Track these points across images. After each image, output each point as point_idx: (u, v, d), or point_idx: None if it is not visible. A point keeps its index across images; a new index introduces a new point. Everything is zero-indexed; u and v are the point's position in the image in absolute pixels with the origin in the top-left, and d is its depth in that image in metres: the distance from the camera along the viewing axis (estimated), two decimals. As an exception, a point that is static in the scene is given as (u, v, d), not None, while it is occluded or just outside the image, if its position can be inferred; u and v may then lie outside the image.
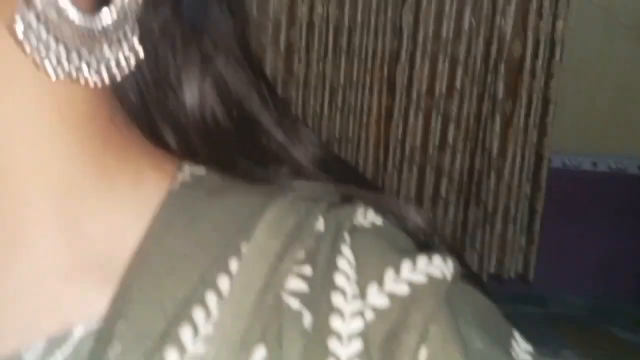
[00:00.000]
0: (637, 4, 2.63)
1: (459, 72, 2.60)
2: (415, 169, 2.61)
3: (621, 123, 2.67)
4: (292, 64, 2.60)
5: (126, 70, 0.29)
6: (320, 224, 0.32)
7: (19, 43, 0.26)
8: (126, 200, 0.32)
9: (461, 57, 2.59)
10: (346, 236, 0.31)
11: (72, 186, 0.31)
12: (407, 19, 2.61)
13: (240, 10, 0.34)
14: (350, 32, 2.60)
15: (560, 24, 2.58)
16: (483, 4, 2.59)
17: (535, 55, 2.59)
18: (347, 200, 0.33)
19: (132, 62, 0.29)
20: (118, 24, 0.28)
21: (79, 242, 0.31)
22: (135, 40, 0.29)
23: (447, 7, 2.58)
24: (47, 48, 0.26)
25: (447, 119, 2.60)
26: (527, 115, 2.58)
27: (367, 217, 0.33)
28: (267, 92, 0.35)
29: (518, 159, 2.58)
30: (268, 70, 2.59)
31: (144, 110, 0.33)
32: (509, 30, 2.59)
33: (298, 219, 0.31)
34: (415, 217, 0.35)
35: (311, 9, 2.60)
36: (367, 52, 2.61)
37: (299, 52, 2.60)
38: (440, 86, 2.60)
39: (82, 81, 0.27)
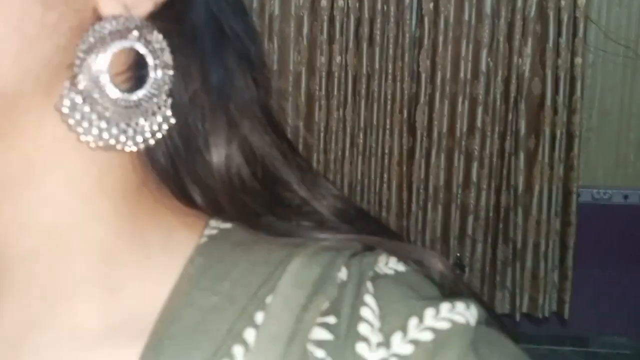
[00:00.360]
0: (655, 37, 2.62)
1: (479, 111, 2.60)
2: (440, 209, 2.57)
3: (650, 155, 2.60)
4: (312, 111, 2.65)
5: (159, 137, 0.31)
6: (343, 274, 0.33)
7: (65, 119, 0.30)
8: (157, 258, 0.34)
9: (480, 97, 2.60)
10: (369, 285, 0.32)
11: (109, 248, 0.34)
12: (424, 63, 2.65)
13: (263, 80, 0.37)
14: (368, 79, 2.65)
15: (578, 60, 2.58)
16: (499, 45, 2.62)
17: (555, 91, 2.58)
18: (369, 249, 0.35)
19: (165, 129, 0.32)
20: (152, 98, 0.31)
21: (114, 302, 0.33)
22: (168, 111, 0.32)
23: (463, 50, 2.61)
24: (90, 122, 0.30)
25: (470, 158, 2.58)
26: (552, 150, 2.54)
27: (389, 264, 0.34)
28: (289, 151, 0.37)
29: (545, 194, 2.52)
30: (290, 120, 2.64)
31: (173, 172, 0.35)
32: (527, 68, 2.60)
33: (321, 270, 0.32)
34: (437, 264, 0.36)
35: (330, 59, 2.67)
36: (386, 97, 2.65)
37: (319, 99, 2.65)
38: (461, 126, 2.60)
39: (119, 148, 0.30)
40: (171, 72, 0.31)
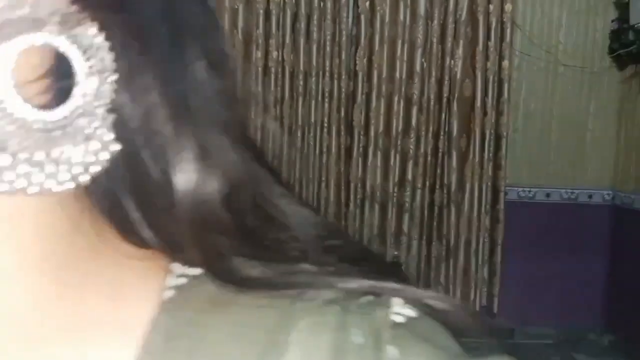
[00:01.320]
0: (576, 44, 2.72)
1: (414, 111, 2.59)
2: (377, 207, 2.55)
3: (569, 156, 2.71)
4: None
5: (95, 171, 0.22)
6: (357, 337, 0.27)
7: None
8: (104, 324, 0.26)
9: (415, 97, 2.59)
10: (389, 350, 0.27)
11: (37, 324, 0.24)
12: (361, 62, 2.60)
13: (231, 82, 0.27)
14: (306, 75, 2.57)
15: (505, 63, 2.64)
16: (433, 47, 2.62)
17: (485, 93, 2.62)
18: (372, 294, 0.29)
19: (104, 160, 0.22)
20: (82, 116, 0.21)
21: None
22: (107, 134, 0.22)
23: (398, 50, 2.59)
24: None
25: (406, 157, 2.57)
26: (482, 150, 2.59)
27: (400, 311, 0.29)
28: (268, 172, 0.29)
29: (476, 192, 2.56)
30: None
31: (117, 205, 0.27)
32: (459, 70, 2.62)
33: (333, 336, 0.27)
34: (444, 304, 0.30)
35: (266, 54, 2.56)
36: (323, 94, 2.58)
37: (255, 96, 2.54)
38: (397, 125, 2.58)
39: (31, 192, 0.21)
40: (112, 79, 0.22)
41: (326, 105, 2.57)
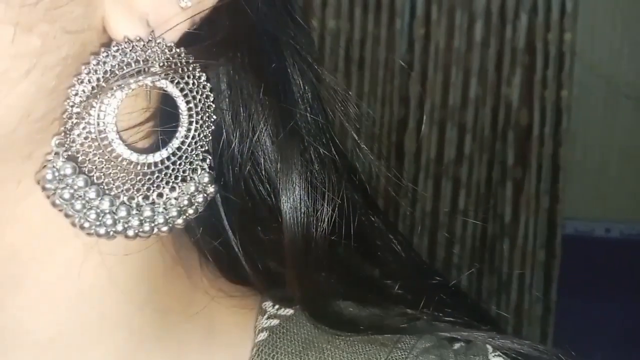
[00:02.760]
0: (637, 75, 2.55)
1: (468, 138, 2.45)
2: (426, 235, 2.41)
3: (630, 190, 2.51)
4: (300, 130, 2.46)
5: (191, 215, 0.21)
6: None
7: (49, 197, 0.19)
8: None
9: (469, 125, 2.46)
10: None
11: None
12: (414, 88, 2.49)
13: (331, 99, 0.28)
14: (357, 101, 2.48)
15: (564, 93, 2.48)
16: (488, 74, 2.49)
17: (542, 123, 2.46)
18: (465, 340, 0.28)
19: (200, 203, 0.21)
20: (182, 159, 0.20)
21: None
22: (205, 176, 0.21)
23: (453, 77, 2.48)
24: (85, 203, 0.19)
25: (457, 185, 2.43)
26: (538, 181, 2.42)
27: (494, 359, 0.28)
28: (372, 204, 0.29)
29: (531, 225, 2.39)
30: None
31: (219, 239, 0.26)
32: (515, 98, 2.48)
33: None
34: (536, 352, 0.30)
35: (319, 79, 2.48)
36: (374, 120, 2.47)
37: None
38: (449, 152, 2.45)
39: (130, 235, 0.20)
40: (213, 120, 0.21)
41: (377, 130, 2.46)
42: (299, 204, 0.24)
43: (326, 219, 0.25)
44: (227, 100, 0.22)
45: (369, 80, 2.48)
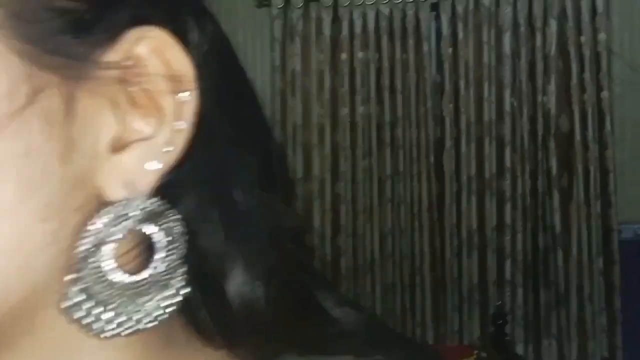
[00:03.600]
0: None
1: (507, 151, 2.38)
2: (475, 254, 2.33)
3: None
4: (338, 162, 2.46)
5: (172, 310, 0.28)
6: None
7: (68, 317, 0.26)
8: None
9: (507, 137, 2.38)
10: None
11: None
12: (447, 107, 2.46)
13: (288, 194, 0.34)
14: (392, 127, 2.46)
15: (605, 94, 2.37)
16: (522, 85, 2.42)
17: (584, 127, 2.35)
18: None
19: (178, 301, 0.28)
20: (161, 274, 0.27)
21: None
22: (180, 281, 0.28)
23: (485, 92, 2.42)
24: (95, 317, 0.26)
25: (502, 199, 2.34)
26: (587, 187, 2.30)
27: None
28: (314, 278, 0.34)
29: (584, 233, 2.26)
30: (316, 169, 2.46)
31: (199, 316, 0.32)
32: (552, 106, 2.39)
33: None
34: None
35: (353, 110, 2.50)
36: (411, 143, 2.45)
37: (345, 150, 2.47)
38: (490, 167, 2.37)
39: (126, 334, 0.27)
40: (184, 241, 0.28)
41: (414, 153, 2.43)
42: (239, 286, 0.30)
43: (263, 293, 0.30)
44: (189, 221, 0.28)
45: (401, 105, 2.47)
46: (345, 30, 2.52)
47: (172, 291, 0.27)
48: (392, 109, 2.48)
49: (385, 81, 2.50)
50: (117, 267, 0.26)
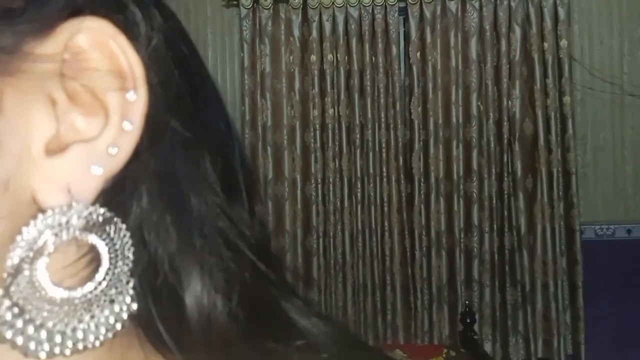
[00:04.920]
0: (638, 72, 2.43)
1: (474, 154, 2.37)
2: (444, 254, 2.31)
3: (647, 188, 2.37)
4: (309, 163, 2.41)
5: (118, 329, 0.25)
6: None
7: None
8: None
9: (474, 140, 2.38)
10: None
11: None
12: (416, 110, 2.43)
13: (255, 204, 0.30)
14: (362, 128, 2.43)
15: (567, 99, 2.39)
16: (488, 89, 2.42)
17: (547, 131, 2.37)
18: None
19: (125, 318, 0.25)
20: (107, 288, 0.24)
21: None
22: (128, 297, 0.25)
23: (453, 95, 2.41)
24: (26, 338, 0.23)
25: (470, 201, 2.33)
26: (550, 189, 2.31)
27: None
28: (281, 288, 0.30)
29: (548, 233, 2.27)
30: (287, 171, 2.40)
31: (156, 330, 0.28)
32: (517, 110, 2.40)
33: None
34: None
35: (323, 111, 2.45)
36: (380, 145, 2.42)
37: (315, 152, 2.41)
38: (458, 169, 2.36)
39: (68, 354, 0.24)
40: (132, 252, 0.25)
41: (384, 155, 2.39)
42: (199, 297, 0.27)
43: (230, 310, 0.27)
44: (141, 229, 0.26)
45: (370, 107, 2.43)
46: (314, 32, 2.47)
47: (118, 307, 0.24)
48: (362, 111, 2.44)
49: (355, 83, 2.46)
50: (55, 281, 0.23)
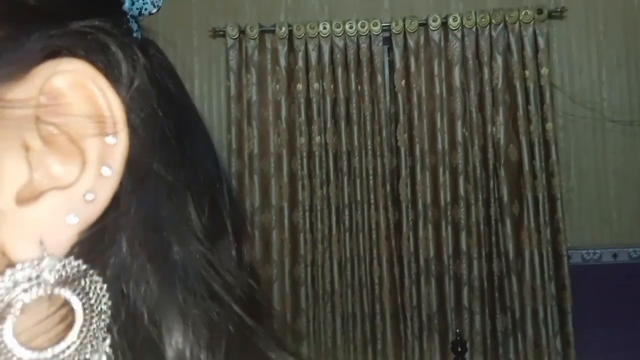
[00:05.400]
0: (620, 99, 2.47)
1: (461, 180, 2.37)
2: (433, 281, 2.28)
3: (632, 212, 2.38)
4: (296, 190, 2.38)
5: None
6: None
7: None
8: None
9: (460, 167, 2.38)
10: None
11: None
12: (402, 137, 2.43)
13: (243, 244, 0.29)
14: (349, 155, 2.41)
15: (549, 125, 2.40)
16: (472, 116, 2.43)
17: (532, 156, 2.37)
18: None
19: None
20: (82, 345, 0.22)
21: None
22: (104, 357, 0.22)
23: (438, 122, 2.41)
24: None
25: (457, 227, 2.32)
26: (537, 214, 2.31)
27: None
28: (259, 332, 0.28)
29: (536, 258, 2.26)
30: (274, 199, 2.37)
31: None
32: (501, 136, 2.41)
33: None
34: None
35: (309, 139, 2.43)
36: (367, 172, 2.40)
37: (302, 179, 2.39)
38: (445, 196, 2.35)
39: None
40: (108, 307, 0.23)
41: (371, 182, 2.38)
42: (182, 352, 0.25)
43: (204, 355, 0.25)
44: (119, 281, 0.24)
45: (357, 135, 2.43)
46: (300, 62, 2.47)
47: None
48: (349, 139, 2.44)
49: (341, 111, 2.46)
50: (23, 340, 0.21)
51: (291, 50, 2.48)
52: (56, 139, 0.22)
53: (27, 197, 0.22)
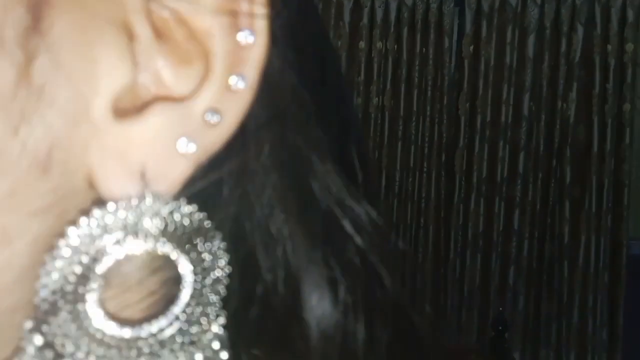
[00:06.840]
0: None
1: (521, 157, 2.23)
2: (479, 257, 2.19)
3: None
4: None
5: None
6: None
7: None
8: None
9: (522, 143, 2.24)
10: None
11: None
12: (463, 106, 2.31)
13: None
14: (406, 121, 2.32)
15: (627, 106, 2.21)
16: (542, 90, 2.27)
17: (602, 138, 2.20)
18: None
19: None
20: (186, 323, 0.16)
21: None
22: (215, 343, 0.17)
23: (504, 94, 2.27)
24: None
25: (511, 205, 2.21)
26: (599, 199, 2.15)
27: None
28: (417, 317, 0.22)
29: (593, 245, 2.12)
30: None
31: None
32: (572, 114, 2.24)
33: None
34: None
35: (367, 100, 2.35)
36: (423, 139, 2.31)
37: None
38: (502, 171, 2.23)
39: None
40: (226, 273, 0.17)
41: (426, 149, 2.29)
42: (326, 317, 0.19)
43: (369, 336, 0.19)
44: (244, 239, 0.18)
45: (416, 100, 2.32)
46: (365, 19, 2.37)
47: (201, 355, 0.16)
48: (407, 103, 2.34)
49: (403, 74, 2.35)
50: (110, 313, 0.16)
51: (357, 5, 2.37)
52: (171, 32, 0.16)
53: (127, 109, 0.16)
